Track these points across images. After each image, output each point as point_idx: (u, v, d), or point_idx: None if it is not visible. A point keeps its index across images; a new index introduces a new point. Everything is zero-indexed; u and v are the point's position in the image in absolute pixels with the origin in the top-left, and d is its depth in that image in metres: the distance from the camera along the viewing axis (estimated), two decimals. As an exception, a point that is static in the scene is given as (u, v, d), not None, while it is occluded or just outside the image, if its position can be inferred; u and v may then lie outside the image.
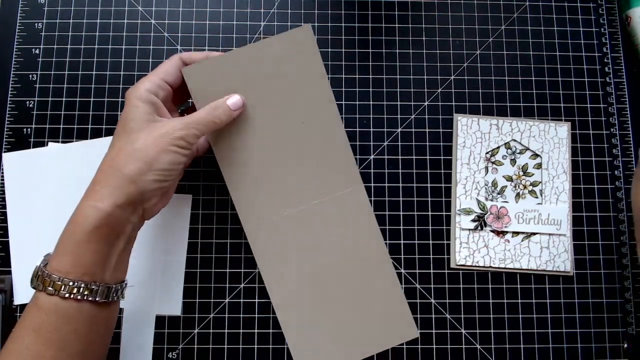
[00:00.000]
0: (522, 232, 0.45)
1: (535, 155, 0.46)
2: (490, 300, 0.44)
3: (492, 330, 0.43)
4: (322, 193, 0.42)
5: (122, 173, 0.33)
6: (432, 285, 0.44)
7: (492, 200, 0.45)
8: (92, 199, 0.33)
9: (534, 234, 0.45)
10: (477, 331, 0.43)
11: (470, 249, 0.44)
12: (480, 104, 0.47)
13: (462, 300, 0.44)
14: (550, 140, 0.46)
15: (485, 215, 0.45)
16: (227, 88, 0.39)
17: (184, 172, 0.41)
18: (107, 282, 0.33)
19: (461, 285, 0.44)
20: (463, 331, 0.43)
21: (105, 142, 0.45)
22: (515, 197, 0.45)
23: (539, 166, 0.46)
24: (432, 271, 0.44)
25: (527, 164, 0.46)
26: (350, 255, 0.43)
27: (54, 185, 0.45)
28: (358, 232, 0.43)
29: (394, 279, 0.43)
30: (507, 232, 0.45)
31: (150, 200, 0.35)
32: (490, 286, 0.44)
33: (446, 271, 0.44)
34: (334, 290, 0.43)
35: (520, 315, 0.44)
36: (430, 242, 0.45)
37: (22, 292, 0.43)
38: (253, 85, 0.40)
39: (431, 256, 0.44)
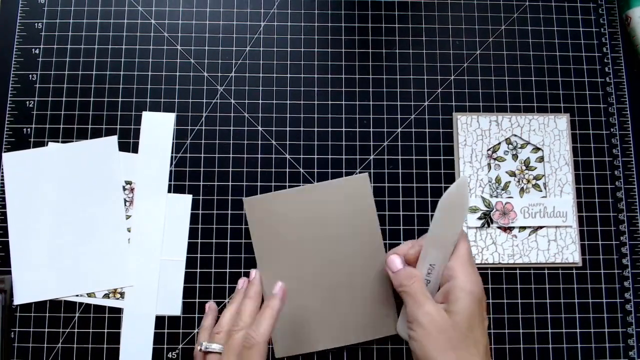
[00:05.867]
0: (529, 227, 0.45)
1: (537, 149, 0.46)
2: (490, 300, 0.44)
3: (491, 330, 0.43)
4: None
5: None
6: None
7: (496, 196, 0.45)
8: None
9: (541, 227, 0.45)
10: (477, 331, 0.43)
11: (478, 247, 0.44)
12: (480, 104, 0.47)
13: (462, 300, 0.44)
14: (550, 133, 0.46)
15: (491, 212, 0.45)
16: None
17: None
18: None
19: (461, 285, 0.44)
20: (463, 331, 0.43)
21: (105, 142, 0.45)
22: (519, 192, 0.45)
23: (540, 159, 0.46)
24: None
25: (528, 158, 0.46)
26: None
27: (54, 185, 0.45)
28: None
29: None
30: (513, 227, 0.45)
31: None
32: (489, 286, 0.44)
33: (446, 271, 0.44)
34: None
35: (520, 315, 0.44)
36: (430, 242, 0.45)
37: (22, 292, 0.43)
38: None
39: (431, 256, 0.44)
